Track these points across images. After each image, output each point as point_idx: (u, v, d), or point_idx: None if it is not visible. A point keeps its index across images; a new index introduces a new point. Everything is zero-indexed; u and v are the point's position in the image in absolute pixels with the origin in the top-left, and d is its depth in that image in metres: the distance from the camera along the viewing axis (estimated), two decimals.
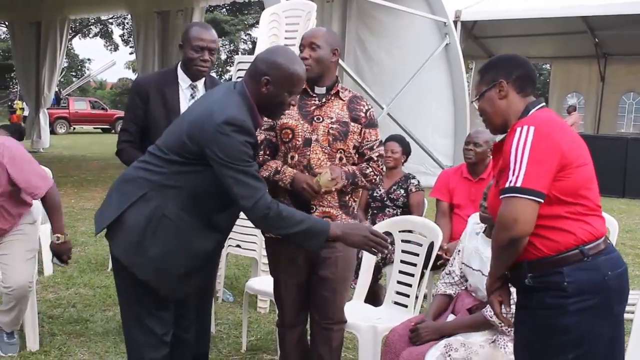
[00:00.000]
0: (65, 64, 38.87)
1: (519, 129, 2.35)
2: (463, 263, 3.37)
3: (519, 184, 2.26)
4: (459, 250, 3.46)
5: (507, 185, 2.31)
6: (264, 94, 2.84)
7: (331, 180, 3.14)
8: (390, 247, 2.56)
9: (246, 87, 2.87)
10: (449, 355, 3.04)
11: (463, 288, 3.40)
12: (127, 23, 35.45)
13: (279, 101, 2.88)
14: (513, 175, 2.30)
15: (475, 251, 3.31)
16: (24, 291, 3.93)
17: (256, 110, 2.86)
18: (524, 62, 2.57)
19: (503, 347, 3.08)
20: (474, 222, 3.43)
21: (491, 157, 2.67)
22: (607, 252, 2.42)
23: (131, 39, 28.71)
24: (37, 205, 4.95)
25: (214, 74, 3.82)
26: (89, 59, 47.57)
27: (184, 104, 3.70)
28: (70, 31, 21.90)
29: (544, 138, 2.33)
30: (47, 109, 18.19)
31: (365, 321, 3.75)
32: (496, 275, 2.53)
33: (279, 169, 3.23)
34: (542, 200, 2.28)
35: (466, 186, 4.67)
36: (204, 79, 3.79)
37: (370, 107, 3.42)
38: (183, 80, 3.75)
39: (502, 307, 2.55)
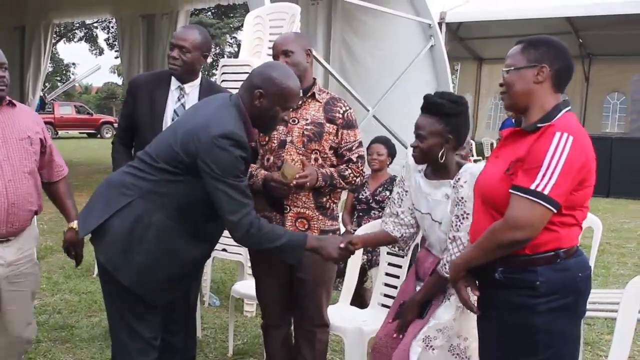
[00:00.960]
0: (50, 69, 38.70)
1: (558, 134, 2.31)
2: (413, 204, 3.26)
3: (546, 192, 2.24)
4: (406, 191, 3.31)
5: (532, 187, 2.27)
6: (257, 107, 2.86)
7: (294, 167, 3.17)
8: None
9: (241, 100, 2.88)
10: (431, 347, 3.04)
11: (412, 231, 3.30)
12: (112, 27, 35.29)
13: (272, 115, 2.90)
14: (542, 180, 2.27)
15: (420, 191, 3.21)
16: (24, 345, 3.39)
17: (250, 123, 2.88)
18: (570, 58, 2.50)
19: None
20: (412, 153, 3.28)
21: (502, 136, 2.61)
22: (577, 254, 2.45)
23: (116, 43, 28.55)
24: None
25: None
26: (73, 64, 47.52)
27: (171, 105, 3.68)
28: (55, 35, 21.79)
29: (580, 152, 2.32)
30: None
31: (352, 324, 3.74)
32: (469, 266, 2.53)
33: (253, 172, 3.25)
34: (557, 212, 2.30)
35: None
36: (199, 81, 3.75)
37: (348, 108, 3.40)
38: (174, 82, 3.73)
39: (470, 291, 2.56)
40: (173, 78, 3.71)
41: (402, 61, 9.37)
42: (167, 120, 3.65)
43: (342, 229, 4.42)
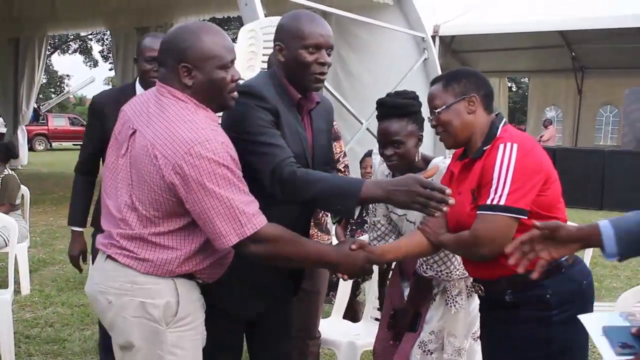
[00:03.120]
0: (44, 81, 38.65)
1: (501, 146, 2.36)
2: (388, 209, 3.26)
3: (502, 202, 2.27)
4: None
5: (487, 202, 2.32)
6: (283, 62, 2.60)
7: None
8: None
9: (277, 69, 2.65)
10: (428, 351, 3.04)
11: (394, 238, 3.23)
12: (107, 39, 35.31)
13: (300, 62, 2.55)
14: (495, 193, 2.31)
15: None
16: None
17: (287, 83, 2.61)
18: (487, 81, 2.60)
19: (452, 304, 3.07)
20: (380, 161, 3.27)
21: (452, 171, 2.63)
22: (578, 262, 2.48)
23: (110, 55, 28.60)
24: (13, 224, 4.92)
25: None
26: (68, 75, 47.41)
27: None
28: (49, 47, 21.83)
29: (527, 154, 2.35)
30: (26, 125, 18.06)
31: (344, 337, 3.74)
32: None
33: None
34: (526, 217, 2.30)
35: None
36: None
37: (334, 121, 3.41)
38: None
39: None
40: (139, 91, 3.48)
41: (395, 74, 9.41)
42: None
43: (335, 242, 4.43)
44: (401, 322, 3.12)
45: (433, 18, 11.00)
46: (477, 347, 3.08)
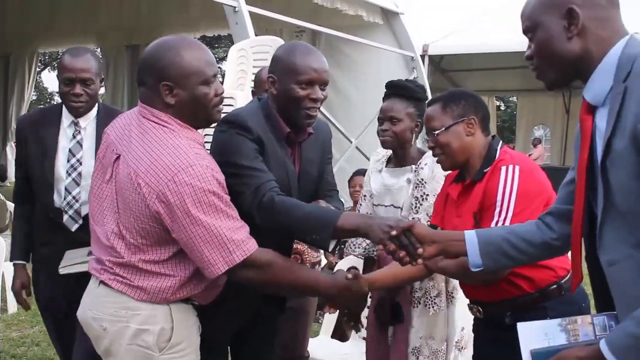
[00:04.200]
0: (34, 97, 38.50)
1: (503, 168, 2.37)
2: (374, 204, 3.28)
3: (507, 224, 2.28)
4: (364, 196, 3.38)
5: (492, 224, 2.32)
6: (275, 95, 2.55)
7: None
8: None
9: (269, 100, 2.59)
10: (423, 355, 3.05)
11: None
12: (98, 56, 35.26)
13: (291, 97, 2.50)
14: (500, 215, 2.32)
15: (383, 187, 3.24)
16: None
17: (277, 116, 2.56)
18: (484, 103, 2.62)
19: (430, 306, 3.07)
20: (375, 160, 3.36)
21: (450, 194, 2.64)
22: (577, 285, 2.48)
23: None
24: (1, 243, 4.88)
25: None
26: (57, 92, 47.20)
27: (65, 144, 3.20)
28: (40, 64, 21.75)
29: (530, 176, 2.37)
30: (14, 142, 17.98)
31: (333, 357, 3.74)
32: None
33: None
34: None
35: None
36: (95, 112, 3.25)
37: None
38: (66, 117, 3.23)
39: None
40: (65, 112, 3.22)
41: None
42: (59, 165, 3.20)
43: (324, 260, 4.42)
44: (382, 312, 3.13)
45: (422, 38, 11.04)
46: (461, 358, 3.08)
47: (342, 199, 3.54)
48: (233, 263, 2.16)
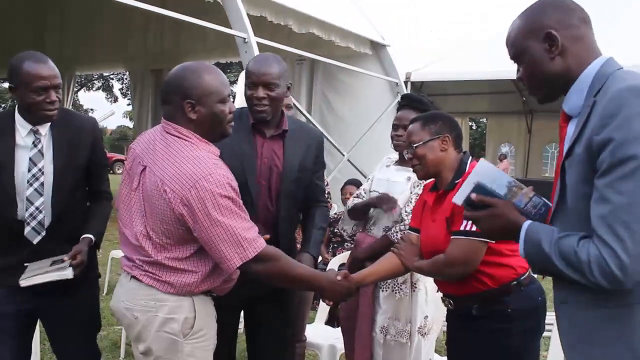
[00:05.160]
0: None
1: None
2: (371, 191, 3.34)
3: (473, 228, 2.28)
4: (357, 195, 3.44)
5: (461, 228, 2.33)
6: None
7: None
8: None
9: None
10: (390, 334, 3.05)
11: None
12: (126, 79, 35.28)
13: (245, 97, 2.60)
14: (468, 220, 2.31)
15: (385, 179, 3.29)
16: None
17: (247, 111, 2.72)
18: (458, 124, 2.63)
19: (397, 292, 3.07)
20: (387, 157, 3.43)
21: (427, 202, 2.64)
22: (534, 282, 2.49)
23: (129, 92, 28.58)
24: None
25: None
26: (92, 109, 47.20)
27: (23, 154, 2.72)
28: (77, 85, 21.74)
29: None
30: None
31: (326, 341, 3.72)
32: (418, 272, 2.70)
33: None
34: (493, 241, 2.31)
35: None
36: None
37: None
38: (22, 125, 2.73)
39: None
40: (19, 121, 2.72)
41: (373, 113, 9.47)
42: (19, 175, 2.71)
43: (319, 258, 4.40)
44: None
45: (406, 66, 11.05)
46: (424, 342, 3.08)
47: (334, 204, 3.55)
48: (247, 258, 2.18)
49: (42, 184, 2.74)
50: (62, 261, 2.69)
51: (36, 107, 2.67)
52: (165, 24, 12.11)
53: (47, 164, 2.77)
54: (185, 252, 2.24)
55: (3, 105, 40.56)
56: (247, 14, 6.45)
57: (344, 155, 8.84)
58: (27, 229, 2.75)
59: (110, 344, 4.47)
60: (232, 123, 2.38)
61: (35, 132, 2.76)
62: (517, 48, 1.86)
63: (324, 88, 10.50)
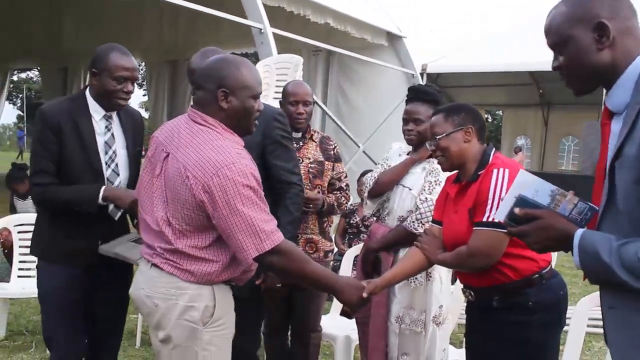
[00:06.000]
0: None
1: (495, 171, 2.36)
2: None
3: (497, 219, 2.27)
4: (380, 164, 3.44)
5: (484, 219, 2.31)
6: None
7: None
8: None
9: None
10: (406, 324, 3.04)
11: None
12: (142, 69, 35.40)
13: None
14: (491, 211, 2.30)
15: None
16: None
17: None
18: (482, 116, 2.60)
19: (412, 281, 3.06)
20: (398, 146, 3.40)
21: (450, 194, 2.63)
22: (555, 275, 2.48)
23: (145, 83, 28.69)
24: None
25: None
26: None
27: (99, 137, 2.87)
28: None
29: None
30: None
31: (341, 332, 3.74)
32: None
33: None
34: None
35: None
36: None
37: (336, 145, 3.51)
38: (95, 110, 2.87)
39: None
40: (92, 105, 2.86)
41: (388, 104, 9.44)
42: (101, 157, 2.87)
43: (335, 249, 4.41)
44: (365, 263, 3.16)
45: (421, 58, 11.01)
46: (439, 332, 3.07)
47: (351, 195, 3.55)
48: (263, 250, 2.17)
49: (117, 164, 2.91)
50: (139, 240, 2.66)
51: (114, 94, 2.82)
52: (181, 15, 12.14)
53: (118, 147, 2.93)
54: (205, 240, 2.24)
55: (20, 96, 40.82)
56: (264, 5, 6.45)
57: (359, 146, 8.85)
58: (110, 206, 2.87)
59: (126, 332, 4.49)
60: (257, 121, 2.37)
61: (108, 118, 2.91)
62: (560, 36, 1.75)
63: (339, 79, 10.50)
